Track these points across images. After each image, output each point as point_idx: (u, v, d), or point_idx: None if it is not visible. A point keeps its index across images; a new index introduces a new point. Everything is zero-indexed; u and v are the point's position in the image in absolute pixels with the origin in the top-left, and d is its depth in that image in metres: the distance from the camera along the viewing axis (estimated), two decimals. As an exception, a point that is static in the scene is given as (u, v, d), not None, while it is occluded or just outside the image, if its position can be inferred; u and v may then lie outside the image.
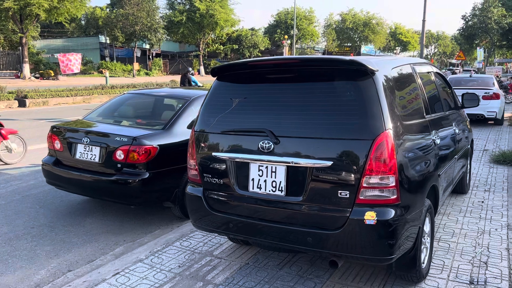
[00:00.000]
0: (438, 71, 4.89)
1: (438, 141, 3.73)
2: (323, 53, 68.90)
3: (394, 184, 2.79)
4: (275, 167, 3.06)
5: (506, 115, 14.62)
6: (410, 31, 78.37)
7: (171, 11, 49.42)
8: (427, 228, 3.50)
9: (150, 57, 50.64)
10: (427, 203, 3.38)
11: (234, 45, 54.85)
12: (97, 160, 4.92)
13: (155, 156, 4.79)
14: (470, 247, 4.19)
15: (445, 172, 3.98)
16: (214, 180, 3.35)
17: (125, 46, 47.61)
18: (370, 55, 75.26)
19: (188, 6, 48.31)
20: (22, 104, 17.68)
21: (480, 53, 49.97)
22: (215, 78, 3.56)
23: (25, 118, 14.24)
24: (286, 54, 57.34)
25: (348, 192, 2.83)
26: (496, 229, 4.63)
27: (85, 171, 5.05)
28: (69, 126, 5.36)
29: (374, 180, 2.78)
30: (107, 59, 47.63)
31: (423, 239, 3.40)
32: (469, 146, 5.59)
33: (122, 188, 4.80)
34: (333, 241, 2.91)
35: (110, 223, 5.22)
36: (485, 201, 5.64)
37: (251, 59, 3.41)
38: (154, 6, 44.52)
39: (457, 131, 4.66)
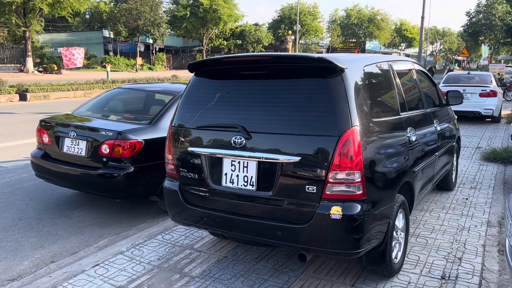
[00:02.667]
0: (421, 68, 4.91)
1: (413, 138, 3.77)
2: (328, 49, 68.73)
3: (359, 180, 2.84)
4: (247, 162, 3.12)
5: (504, 112, 14.59)
6: (416, 27, 77.86)
7: (174, 5, 49.44)
8: (400, 223, 3.55)
9: (154, 51, 50.74)
10: (399, 199, 3.42)
11: (237, 40, 54.83)
12: (83, 154, 5.00)
13: (140, 151, 4.86)
14: (447, 243, 4.23)
15: (422, 169, 4.02)
16: (190, 175, 3.41)
17: (129, 41, 47.69)
18: (375, 51, 74.94)
19: (191, 1, 48.32)
20: (23, 98, 17.83)
21: (485, 50, 49.69)
22: (193, 74, 3.62)
23: (24, 111, 14.37)
24: (290, 50, 57.29)
25: (315, 187, 2.89)
26: (476, 226, 4.67)
27: (72, 164, 5.13)
28: (57, 120, 5.44)
29: (340, 175, 2.84)
30: (111, 53, 47.78)
31: (395, 234, 3.46)
32: (455, 143, 5.62)
33: (108, 182, 4.88)
34: (301, 235, 2.97)
35: (97, 216, 5.30)
36: (469, 198, 5.67)
37: (226, 55, 3.47)
38: (157, 1, 44.52)
39: (438, 128, 4.70)
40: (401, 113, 3.67)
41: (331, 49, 67.88)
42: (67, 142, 5.14)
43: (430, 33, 79.43)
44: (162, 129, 5.18)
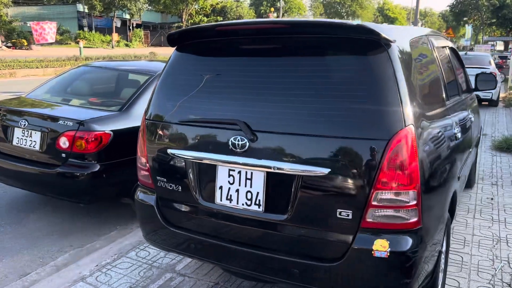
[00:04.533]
0: (453, 45, 4.07)
1: (459, 135, 2.94)
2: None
3: (415, 202, 1.99)
4: (251, 173, 2.24)
5: (501, 95, 14.00)
6: (398, 7, 77.27)
7: (152, -21, 47.30)
8: (444, 246, 2.75)
9: (131, 27, 48.67)
10: (446, 216, 2.61)
11: (218, 17, 53.02)
12: (37, 148, 4.02)
13: (108, 144, 3.92)
14: (487, 260, 3.47)
15: (463, 172, 3.22)
16: (171, 186, 2.52)
17: (104, 16, 45.51)
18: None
19: (170, -26, 46.26)
20: (-14, 75, 16.41)
21: (468, 30, 49.17)
22: (174, 48, 2.69)
23: (-14, 90, 13.06)
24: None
25: (350, 212, 2.04)
26: (513, 236, 3.93)
27: (25, 161, 4.15)
28: (5, 105, 4.42)
29: (388, 196, 1.99)
30: (86, 29, 45.52)
31: (441, 263, 2.66)
32: (479, 134, 4.85)
33: (68, 183, 3.94)
34: (327, 276, 2.13)
35: (59, 221, 4.37)
36: (494, 197, 4.94)
37: (222, 22, 2.53)
38: (134, -27, 42.41)
39: (472, 119, 3.89)
40: (446, 103, 2.83)
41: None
42: (17, 133, 4.14)
43: (412, 13, 78.77)
44: (136, 117, 4.23)
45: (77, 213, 4.55)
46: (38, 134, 4.01)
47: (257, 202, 2.23)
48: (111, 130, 3.95)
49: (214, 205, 2.37)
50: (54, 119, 3.98)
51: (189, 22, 50.73)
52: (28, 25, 32.06)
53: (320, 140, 2.07)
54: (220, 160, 2.30)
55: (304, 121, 2.11)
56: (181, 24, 49.04)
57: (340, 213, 2.05)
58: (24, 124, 4.05)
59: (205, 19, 51.55)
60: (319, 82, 2.13)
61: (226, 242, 2.38)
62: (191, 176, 2.42)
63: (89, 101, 4.59)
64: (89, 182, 3.89)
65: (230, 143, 2.24)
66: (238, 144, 2.22)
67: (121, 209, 4.63)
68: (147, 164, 2.62)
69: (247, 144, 2.20)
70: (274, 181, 2.19)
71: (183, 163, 2.44)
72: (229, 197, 2.32)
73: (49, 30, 28.61)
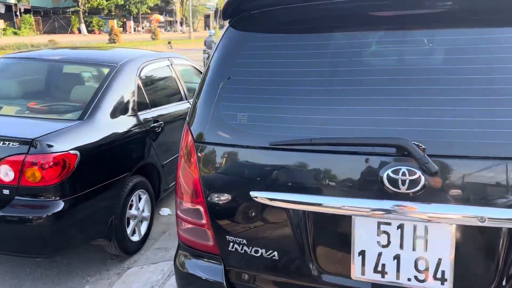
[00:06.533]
0: None
1: None
2: (215, 12, 66.16)
3: None
4: (425, 228, 1.32)
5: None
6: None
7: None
8: None
9: (18, 13, 43.30)
10: None
11: (119, 0, 49.35)
12: (-41, 183, 2.66)
13: (74, 170, 2.70)
14: None
15: None
16: (257, 251, 1.51)
17: (-16, 1, 39.86)
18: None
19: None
20: None
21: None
22: (230, 23, 1.64)
23: None
24: (177, 12, 53.79)
25: None
26: None
27: None
28: None
29: None
30: (-38, 15, 39.50)
31: None
32: None
33: (16, 231, 2.67)
34: None
35: (9, 274, 3.06)
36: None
37: None
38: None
39: None
40: None
41: (219, 12, 65.43)
42: None
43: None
44: (105, 127, 3.07)
45: (30, 262, 3.25)
46: (-41, 162, 2.65)
47: (439, 275, 1.33)
48: (77, 149, 2.73)
49: (348, 282, 1.42)
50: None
51: (86, 6, 46.45)
52: None
53: None
54: (361, 208, 1.35)
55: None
56: (78, 9, 44.67)
57: None
58: None
59: (105, 2, 47.46)
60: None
61: None
62: (299, 234, 1.44)
63: (28, 108, 3.24)
64: (50, 228, 2.65)
65: (385, 179, 1.30)
66: (403, 180, 1.29)
67: (89, 252, 3.41)
68: (205, 216, 1.57)
69: (422, 179, 1.28)
70: (471, 239, 1.30)
71: (283, 214, 1.44)
72: (379, 269, 1.38)
73: None
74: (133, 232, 3.39)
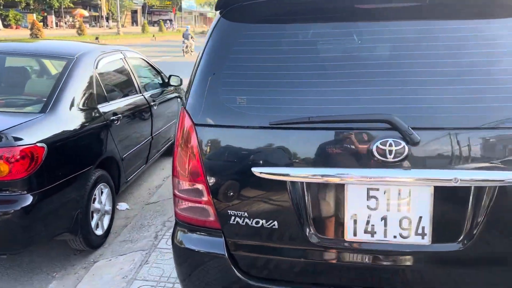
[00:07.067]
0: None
1: None
2: (143, 7, 64.47)
3: None
4: (409, 191, 1.54)
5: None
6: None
7: None
8: None
9: None
10: None
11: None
12: None
13: (42, 163, 2.66)
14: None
15: None
16: (258, 222, 1.64)
17: None
18: (191, 11, 73.72)
19: None
20: None
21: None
22: (222, 14, 1.75)
23: None
24: (103, 7, 51.74)
25: None
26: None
27: None
28: None
29: None
30: None
31: None
32: None
33: (-19, 228, 2.57)
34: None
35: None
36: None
37: None
38: None
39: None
40: None
41: (147, 7, 63.88)
42: None
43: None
44: (68, 119, 3.03)
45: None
46: None
47: (420, 231, 1.55)
48: (43, 142, 2.68)
49: (342, 243, 1.60)
50: None
51: (1, -1, 43.12)
52: None
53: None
54: (354, 176, 1.53)
55: (493, 110, 1.50)
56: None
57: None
58: None
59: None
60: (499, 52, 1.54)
61: (358, 293, 1.65)
62: (297, 204, 1.59)
63: (-18, 101, 3.09)
64: (19, 223, 2.59)
65: (375, 150, 1.50)
66: (390, 151, 1.49)
67: (49, 249, 3.33)
68: (207, 194, 1.67)
69: (406, 149, 1.49)
70: (446, 198, 1.53)
71: (283, 186, 1.59)
72: (369, 230, 1.58)
73: None
74: (97, 226, 3.36)
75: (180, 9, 68.24)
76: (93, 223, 3.27)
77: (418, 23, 1.62)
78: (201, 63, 1.73)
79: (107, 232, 3.53)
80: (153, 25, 57.77)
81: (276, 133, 1.59)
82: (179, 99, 5.54)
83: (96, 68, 3.55)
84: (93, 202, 3.27)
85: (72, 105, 3.08)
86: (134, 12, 65.04)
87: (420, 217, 1.54)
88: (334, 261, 1.65)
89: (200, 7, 72.38)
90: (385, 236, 1.57)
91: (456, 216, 1.54)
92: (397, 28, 1.61)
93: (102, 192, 3.43)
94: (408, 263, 1.60)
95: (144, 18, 62.32)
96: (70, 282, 2.98)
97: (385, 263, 1.61)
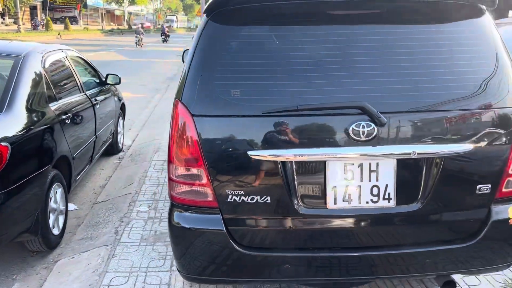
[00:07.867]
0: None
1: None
2: (43, 2, 60.18)
3: None
4: (376, 164, 1.89)
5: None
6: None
7: None
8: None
9: None
10: None
11: None
12: None
13: (7, 163, 2.63)
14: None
15: None
16: (252, 199, 1.88)
17: None
18: (97, 8, 70.36)
19: None
20: None
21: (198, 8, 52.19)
22: (209, 17, 1.96)
23: None
24: None
25: (489, 185, 1.97)
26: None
27: None
28: None
29: None
30: None
31: None
32: None
33: None
34: (462, 257, 2.03)
35: None
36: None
37: None
38: None
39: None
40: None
41: (48, 4, 59.75)
42: None
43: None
44: (24, 119, 3.01)
45: None
46: None
47: (387, 196, 1.90)
48: (6, 140, 2.66)
49: (325, 211, 1.91)
50: None
51: None
52: None
53: (460, 115, 1.90)
54: (333, 154, 1.84)
55: (439, 96, 1.89)
56: None
57: (479, 189, 1.95)
58: None
59: None
60: (450, 49, 1.93)
61: (337, 252, 1.97)
62: (286, 181, 1.87)
63: None
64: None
65: (350, 132, 1.82)
66: (363, 132, 1.82)
67: (2, 252, 3.24)
68: (206, 177, 1.88)
69: (375, 130, 1.83)
70: (405, 169, 1.90)
71: (275, 166, 1.85)
72: (347, 198, 1.90)
73: None
74: (53, 226, 3.33)
75: (85, 6, 64.84)
76: (50, 223, 3.25)
77: (381, 27, 1.97)
78: (194, 61, 1.92)
79: (63, 231, 3.51)
80: (56, 23, 54.27)
81: (268, 120, 1.84)
82: (115, 97, 5.51)
83: (44, 66, 3.50)
84: (50, 202, 3.25)
85: (27, 103, 3.05)
86: (33, 8, 60.50)
87: (387, 185, 1.89)
88: (318, 227, 1.94)
89: (107, 4, 69.32)
90: (359, 202, 1.90)
91: (414, 182, 1.92)
92: (365, 31, 1.95)
93: (56, 192, 3.41)
94: (379, 223, 1.95)
95: (45, 15, 58.25)
96: (33, 282, 2.96)
97: (361, 224, 1.94)
